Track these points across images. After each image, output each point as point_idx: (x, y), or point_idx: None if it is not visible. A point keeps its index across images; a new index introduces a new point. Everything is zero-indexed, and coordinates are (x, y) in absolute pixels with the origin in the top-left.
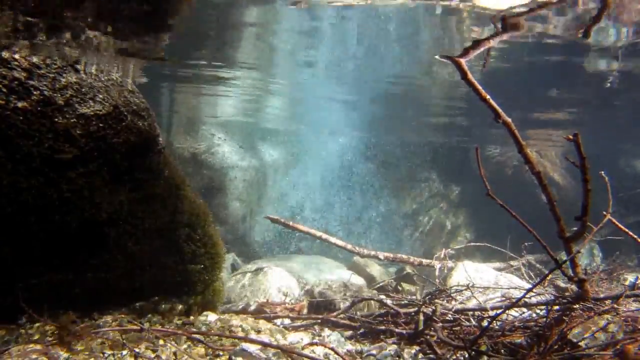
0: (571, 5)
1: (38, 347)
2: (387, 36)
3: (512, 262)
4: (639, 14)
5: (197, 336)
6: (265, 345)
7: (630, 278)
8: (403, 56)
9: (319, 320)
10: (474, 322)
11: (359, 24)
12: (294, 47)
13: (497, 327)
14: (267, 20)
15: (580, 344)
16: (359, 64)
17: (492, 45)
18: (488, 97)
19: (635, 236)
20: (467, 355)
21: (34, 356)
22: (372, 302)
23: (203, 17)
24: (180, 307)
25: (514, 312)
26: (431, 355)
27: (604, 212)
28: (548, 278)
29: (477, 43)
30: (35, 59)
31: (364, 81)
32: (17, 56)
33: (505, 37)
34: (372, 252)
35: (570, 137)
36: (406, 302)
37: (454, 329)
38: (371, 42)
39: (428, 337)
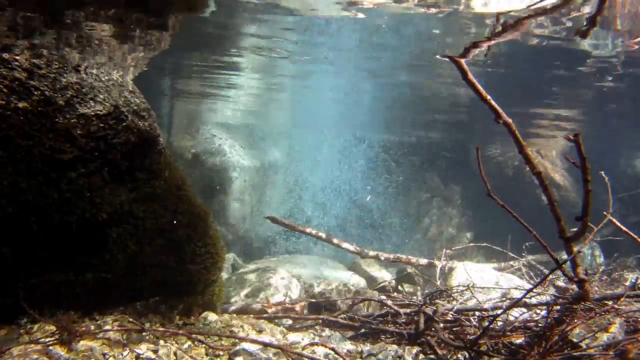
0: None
1: (39, 347)
2: (388, 40)
3: (512, 263)
4: (630, 21)
5: (198, 336)
6: (265, 345)
7: (630, 278)
8: (404, 60)
9: (320, 321)
10: (474, 323)
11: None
12: (296, 51)
13: (497, 327)
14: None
15: (581, 344)
16: (359, 66)
17: (492, 45)
18: (489, 97)
19: (636, 236)
20: (467, 356)
21: (34, 356)
22: (373, 302)
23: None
24: (180, 307)
25: (514, 313)
26: (432, 356)
27: (605, 213)
28: (549, 278)
29: (476, 43)
30: (36, 59)
31: (364, 83)
32: (18, 56)
33: (504, 38)
34: (373, 253)
35: (571, 137)
36: (407, 302)
37: (454, 329)
38: (372, 45)
39: (428, 337)
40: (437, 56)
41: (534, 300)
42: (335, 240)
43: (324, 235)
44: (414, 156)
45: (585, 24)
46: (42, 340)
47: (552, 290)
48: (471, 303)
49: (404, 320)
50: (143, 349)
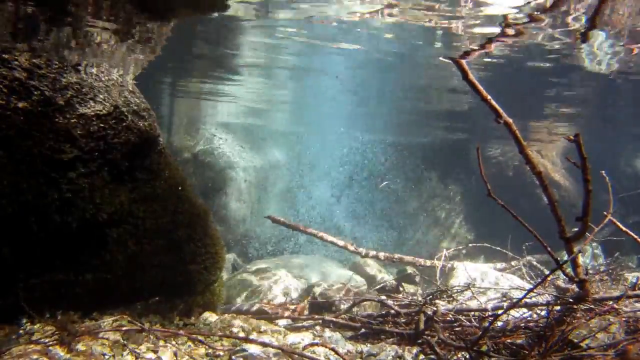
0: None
1: (38, 347)
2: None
3: (513, 263)
4: (627, 21)
5: (198, 336)
6: (266, 345)
7: (631, 278)
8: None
9: (320, 321)
10: (474, 323)
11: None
12: (296, 54)
13: (498, 327)
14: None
15: (581, 344)
16: (360, 70)
17: (492, 50)
18: (489, 97)
19: (636, 236)
20: (468, 356)
21: (34, 356)
22: (373, 302)
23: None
24: (180, 307)
25: (515, 313)
26: (432, 356)
27: (605, 213)
28: (549, 278)
29: (478, 46)
30: (36, 59)
31: (366, 85)
32: (18, 56)
33: (505, 40)
34: (373, 253)
35: (571, 137)
36: (407, 302)
37: (454, 329)
38: (373, 49)
39: (429, 337)
40: (440, 57)
41: (534, 300)
42: (335, 240)
43: (323, 235)
44: (414, 156)
45: (584, 25)
46: (42, 340)
47: (552, 290)
48: (471, 303)
49: (404, 320)
50: (143, 349)
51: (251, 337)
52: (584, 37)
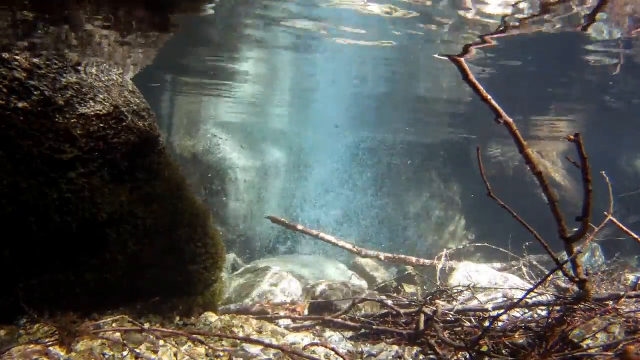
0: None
1: (38, 347)
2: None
3: (513, 263)
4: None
5: (198, 337)
6: (266, 345)
7: (631, 278)
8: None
9: (320, 321)
10: (475, 323)
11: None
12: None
13: (498, 327)
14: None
15: (581, 344)
16: (360, 66)
17: (492, 44)
18: (489, 97)
19: (636, 236)
20: (468, 356)
21: (34, 357)
22: (373, 302)
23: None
24: (180, 307)
25: (515, 313)
26: (432, 356)
27: (605, 213)
28: (549, 279)
29: (477, 42)
30: (36, 59)
31: (365, 83)
32: (17, 56)
33: (505, 34)
34: (373, 253)
35: (572, 137)
36: (407, 302)
37: (455, 329)
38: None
39: (429, 337)
40: (436, 55)
41: (534, 301)
42: (335, 240)
43: (323, 235)
44: (414, 156)
45: (584, 21)
46: (42, 340)
47: (552, 291)
48: (472, 303)
49: (404, 320)
50: (143, 349)
51: (251, 337)
52: (585, 29)
